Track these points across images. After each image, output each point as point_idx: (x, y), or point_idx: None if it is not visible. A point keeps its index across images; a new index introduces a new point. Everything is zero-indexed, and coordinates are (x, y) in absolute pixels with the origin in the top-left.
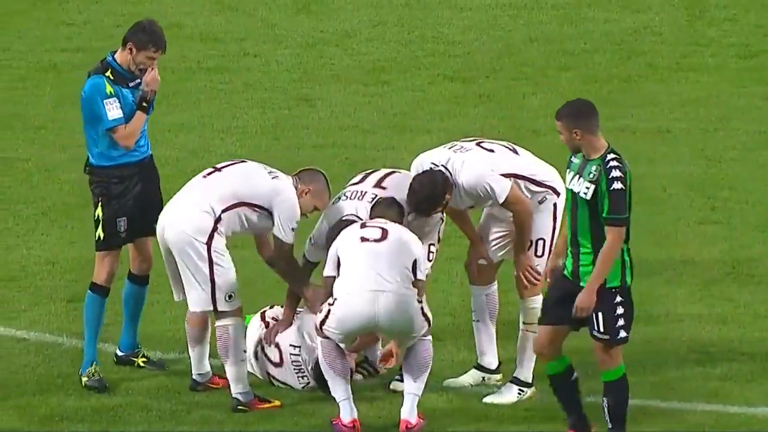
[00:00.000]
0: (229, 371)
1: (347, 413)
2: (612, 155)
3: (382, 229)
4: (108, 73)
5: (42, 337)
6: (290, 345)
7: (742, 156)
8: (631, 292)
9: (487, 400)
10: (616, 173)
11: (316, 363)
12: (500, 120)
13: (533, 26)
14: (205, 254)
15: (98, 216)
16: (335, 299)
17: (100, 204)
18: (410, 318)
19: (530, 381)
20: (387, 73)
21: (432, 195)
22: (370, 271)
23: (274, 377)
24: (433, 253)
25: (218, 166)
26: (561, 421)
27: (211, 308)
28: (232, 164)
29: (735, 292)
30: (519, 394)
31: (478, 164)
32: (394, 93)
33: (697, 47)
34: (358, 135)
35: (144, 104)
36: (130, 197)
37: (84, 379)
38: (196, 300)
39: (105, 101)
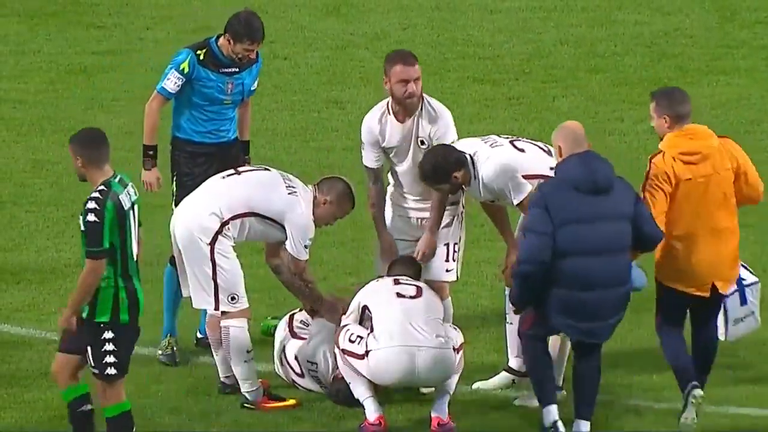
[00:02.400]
0: (235, 370)
1: (372, 411)
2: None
3: (417, 286)
4: (200, 52)
5: None
6: (307, 361)
7: None
8: (128, 330)
9: (476, 386)
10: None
11: (333, 380)
12: (530, 122)
13: (563, 29)
14: (208, 255)
15: (172, 190)
16: (369, 350)
17: (174, 178)
18: (449, 369)
19: (524, 371)
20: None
21: (439, 165)
22: (409, 327)
23: (299, 384)
24: (457, 252)
25: (240, 169)
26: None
27: (212, 308)
28: (253, 170)
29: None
30: (514, 383)
31: (503, 162)
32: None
33: (727, 49)
34: None
35: (149, 153)
36: (202, 177)
37: (158, 352)
38: (198, 298)
39: (172, 71)
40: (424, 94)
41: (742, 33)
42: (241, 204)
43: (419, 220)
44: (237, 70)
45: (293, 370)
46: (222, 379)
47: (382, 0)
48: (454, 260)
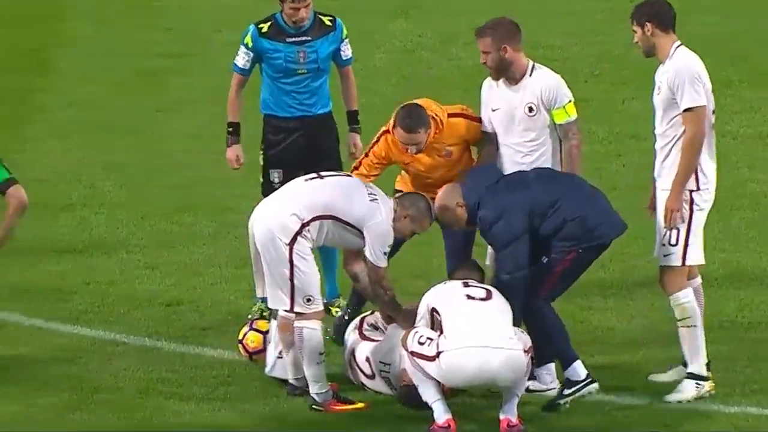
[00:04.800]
0: (306, 371)
1: (441, 413)
2: None
3: (486, 289)
4: (263, 25)
5: (141, 341)
6: (380, 362)
7: None
8: None
9: (669, 398)
10: None
11: (402, 386)
12: (599, 125)
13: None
14: (287, 255)
15: (259, 163)
16: (440, 352)
17: (261, 151)
18: (519, 370)
19: (705, 374)
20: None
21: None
22: (482, 328)
23: (367, 387)
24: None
25: (322, 174)
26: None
27: (288, 308)
28: (335, 175)
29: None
30: (697, 387)
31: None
32: None
33: None
34: None
35: (228, 131)
36: (289, 150)
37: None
38: (275, 298)
39: (240, 47)
40: (531, 61)
41: None
42: (321, 206)
43: None
44: (308, 38)
45: (363, 372)
46: (291, 381)
47: (451, 3)
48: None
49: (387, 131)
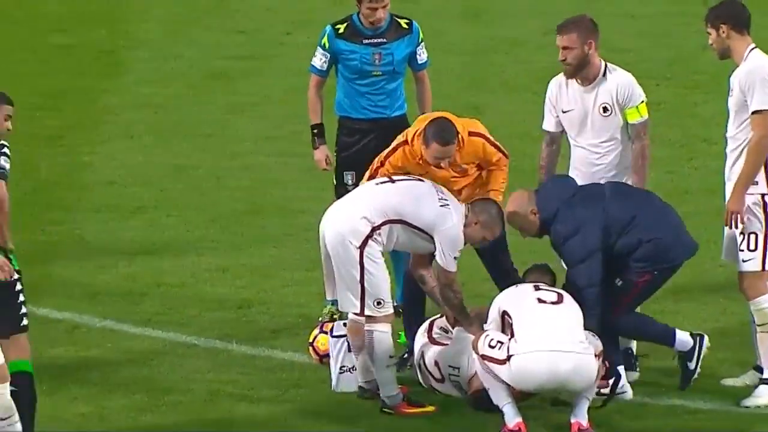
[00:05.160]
0: (376, 375)
1: (511, 417)
2: None
3: (557, 293)
4: (340, 26)
5: (212, 344)
6: (449, 366)
7: None
8: None
9: (745, 403)
10: None
11: (473, 390)
12: (671, 128)
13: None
14: (357, 258)
15: (333, 165)
16: (511, 355)
17: (335, 153)
18: (591, 375)
19: None
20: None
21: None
22: (553, 332)
23: (437, 390)
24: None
25: (393, 178)
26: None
27: (358, 311)
28: (407, 180)
29: None
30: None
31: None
32: None
33: None
34: (528, 143)
35: (314, 132)
36: (362, 152)
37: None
38: (345, 301)
39: (317, 48)
40: (603, 60)
41: None
42: (392, 210)
43: None
44: (384, 40)
45: (432, 376)
46: (360, 383)
47: (522, 5)
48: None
49: (405, 142)
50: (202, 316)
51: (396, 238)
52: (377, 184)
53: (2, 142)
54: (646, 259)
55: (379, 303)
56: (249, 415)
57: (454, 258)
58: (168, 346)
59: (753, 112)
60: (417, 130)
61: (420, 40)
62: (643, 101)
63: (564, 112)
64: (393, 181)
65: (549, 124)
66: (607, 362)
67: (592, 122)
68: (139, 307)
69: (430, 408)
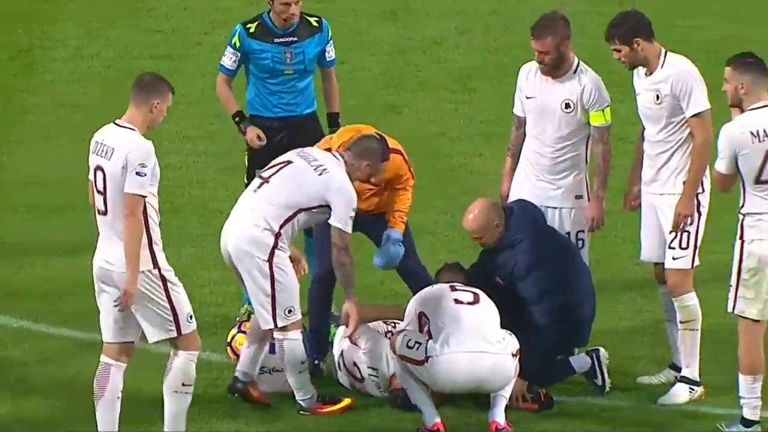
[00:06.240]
0: (290, 380)
1: (430, 416)
2: None
3: (473, 293)
4: (251, 25)
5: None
6: (369, 366)
7: None
8: None
9: (663, 401)
10: None
11: (392, 390)
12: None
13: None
14: (268, 270)
15: (244, 164)
16: (429, 356)
17: (245, 152)
18: (508, 374)
19: (698, 379)
20: (474, 81)
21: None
22: (470, 332)
23: (358, 389)
24: (583, 240)
25: (265, 176)
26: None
27: (272, 326)
28: (278, 170)
29: None
30: (690, 392)
31: None
32: (481, 100)
33: None
34: (445, 143)
35: (236, 120)
36: (273, 151)
37: None
38: (260, 319)
39: (227, 47)
40: (577, 58)
41: None
42: (284, 208)
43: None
44: (295, 39)
45: (353, 376)
46: (236, 373)
47: (439, 5)
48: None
49: (328, 151)
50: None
51: (297, 226)
52: (254, 190)
53: None
54: (559, 328)
55: (290, 311)
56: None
57: (350, 217)
58: (86, 347)
59: (692, 116)
60: (343, 143)
61: (329, 38)
62: (608, 105)
63: (527, 98)
64: (267, 180)
65: (517, 109)
66: (543, 392)
67: (551, 116)
68: (56, 307)
69: (347, 401)
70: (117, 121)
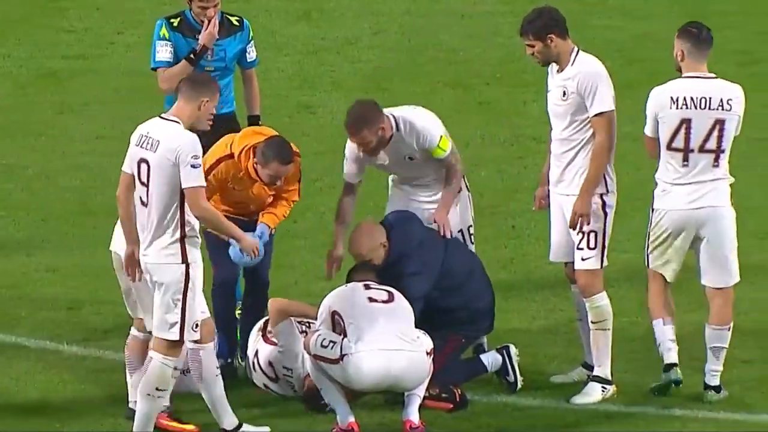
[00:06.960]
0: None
1: (344, 416)
2: None
3: (388, 291)
4: (173, 19)
5: (42, 344)
6: (283, 366)
7: (742, 163)
8: None
9: (576, 400)
10: None
11: (306, 390)
12: (501, 127)
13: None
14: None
15: None
16: (344, 355)
17: None
18: (423, 372)
19: (610, 378)
20: (388, 81)
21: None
22: (385, 330)
23: (270, 389)
24: (472, 235)
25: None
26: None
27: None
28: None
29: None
30: (603, 391)
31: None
32: (395, 100)
33: None
34: None
35: (192, 56)
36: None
37: None
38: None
39: (157, 42)
40: (396, 113)
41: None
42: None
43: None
44: (217, 37)
45: (267, 375)
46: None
47: (353, 5)
48: (471, 242)
49: (230, 156)
50: (32, 316)
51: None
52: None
53: None
54: (461, 323)
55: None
56: (80, 414)
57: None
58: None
59: (595, 115)
60: (246, 146)
61: (250, 38)
62: (442, 136)
63: (378, 164)
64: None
65: (349, 175)
66: (458, 392)
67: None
68: None
69: (191, 427)
70: (163, 114)
